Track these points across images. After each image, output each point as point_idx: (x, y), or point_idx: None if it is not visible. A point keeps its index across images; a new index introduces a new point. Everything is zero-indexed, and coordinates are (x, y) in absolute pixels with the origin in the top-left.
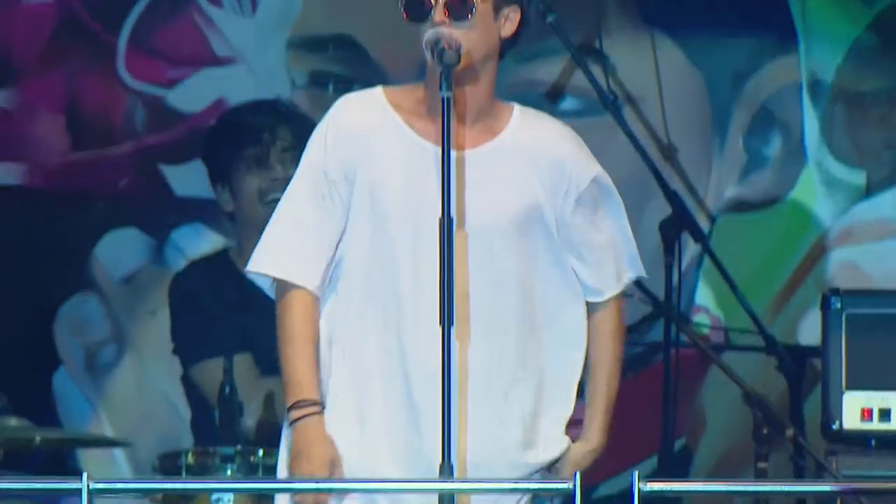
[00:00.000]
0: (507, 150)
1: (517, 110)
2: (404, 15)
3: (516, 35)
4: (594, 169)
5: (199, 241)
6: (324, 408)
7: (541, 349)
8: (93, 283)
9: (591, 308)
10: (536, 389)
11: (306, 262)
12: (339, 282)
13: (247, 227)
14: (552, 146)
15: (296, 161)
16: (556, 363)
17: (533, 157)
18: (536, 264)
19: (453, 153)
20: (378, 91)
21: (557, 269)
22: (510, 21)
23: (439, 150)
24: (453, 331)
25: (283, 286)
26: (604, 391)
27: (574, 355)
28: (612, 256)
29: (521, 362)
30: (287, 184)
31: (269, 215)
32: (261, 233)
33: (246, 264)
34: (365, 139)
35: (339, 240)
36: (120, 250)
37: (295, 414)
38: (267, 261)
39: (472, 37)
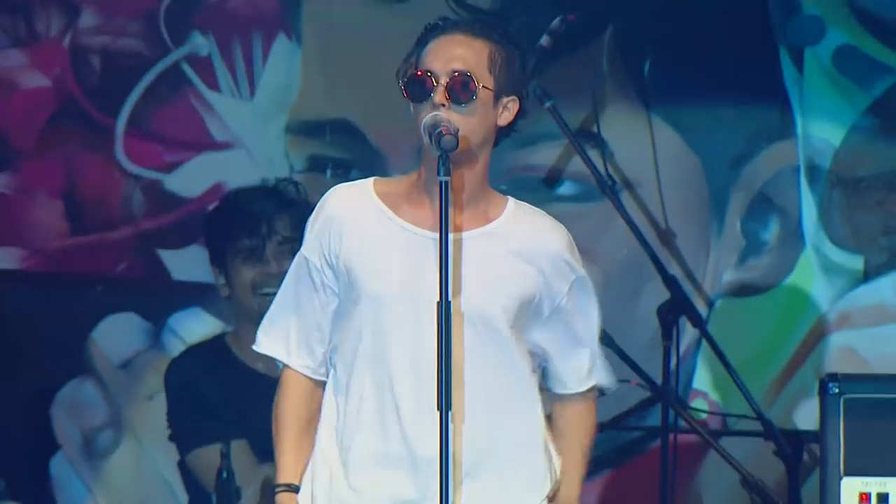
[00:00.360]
0: (500, 236)
1: (511, 201)
2: (404, 93)
3: (512, 125)
4: (580, 269)
5: (197, 326)
6: (294, 488)
7: (521, 429)
8: (91, 367)
9: (559, 398)
10: (521, 466)
11: (292, 344)
12: (338, 366)
13: (242, 314)
14: (547, 238)
15: (291, 255)
16: (530, 443)
17: (527, 246)
18: (519, 348)
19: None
20: (369, 181)
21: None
22: (508, 111)
23: (425, 234)
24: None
25: (283, 367)
26: (572, 480)
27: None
28: (585, 354)
29: (509, 441)
30: (281, 277)
31: (263, 306)
32: (255, 321)
33: (241, 349)
34: (347, 227)
35: (332, 323)
36: (118, 335)
37: (276, 492)
38: (259, 339)
39: (471, 122)
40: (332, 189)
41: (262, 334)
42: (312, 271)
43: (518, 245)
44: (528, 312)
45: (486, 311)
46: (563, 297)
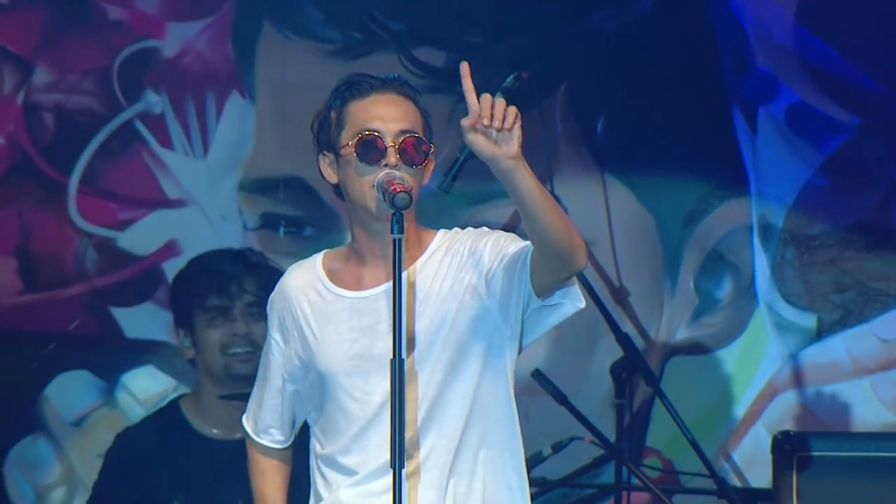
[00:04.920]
0: (425, 269)
1: (440, 235)
2: (356, 156)
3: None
4: (481, 229)
5: (150, 384)
6: None
7: (496, 446)
8: (43, 425)
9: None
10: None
11: (263, 420)
12: (314, 434)
13: (207, 376)
14: (458, 246)
15: (260, 316)
16: (505, 451)
17: (447, 266)
18: (485, 365)
19: (366, 292)
20: (319, 255)
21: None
22: (431, 166)
23: (359, 295)
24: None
25: (251, 442)
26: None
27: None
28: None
29: (477, 466)
30: (248, 337)
31: (231, 365)
32: (220, 381)
33: (199, 412)
34: (295, 302)
35: (297, 396)
36: (70, 392)
37: None
38: (242, 420)
39: (417, 181)
40: (289, 267)
41: (244, 417)
42: (275, 349)
43: (443, 270)
44: (480, 320)
45: (425, 348)
46: (482, 259)
